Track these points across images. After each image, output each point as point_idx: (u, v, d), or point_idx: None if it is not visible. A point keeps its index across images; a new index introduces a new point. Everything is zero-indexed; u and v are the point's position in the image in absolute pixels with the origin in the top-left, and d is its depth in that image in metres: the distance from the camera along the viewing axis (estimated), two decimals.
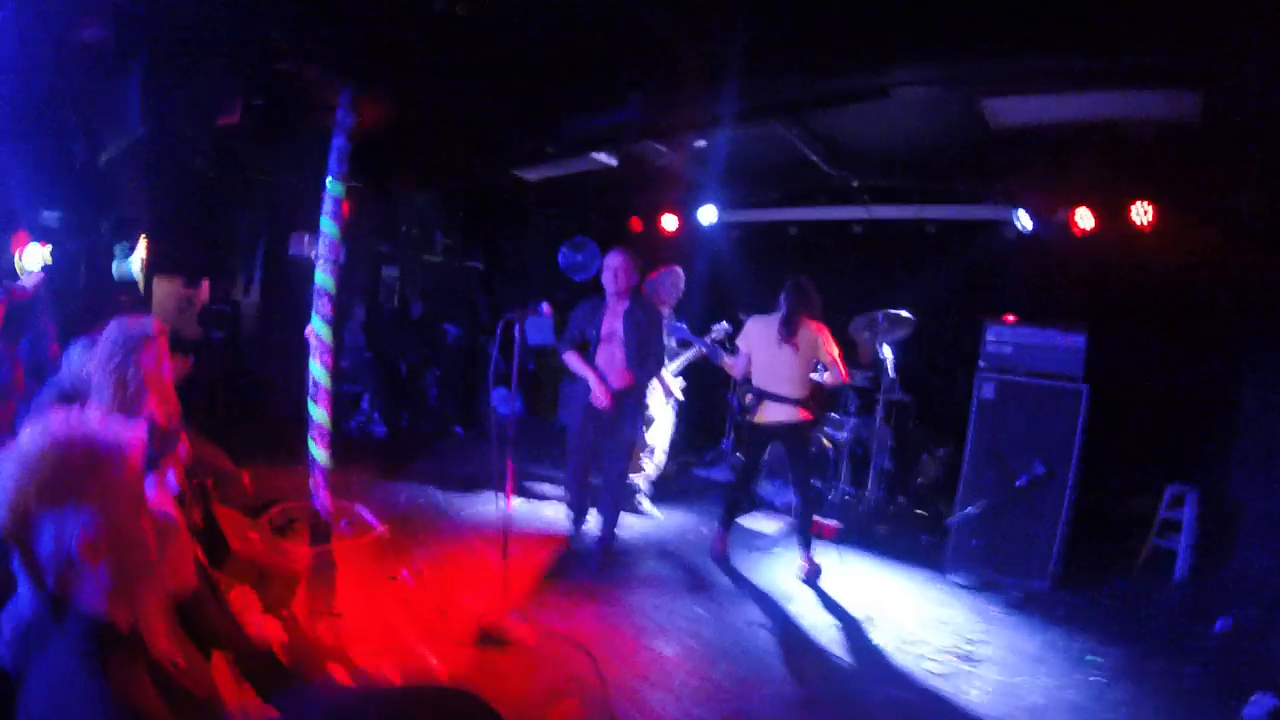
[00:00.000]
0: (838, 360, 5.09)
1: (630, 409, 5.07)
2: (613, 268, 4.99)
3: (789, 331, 5.06)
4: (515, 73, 4.94)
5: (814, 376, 5.24)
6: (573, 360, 5.08)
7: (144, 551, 1.39)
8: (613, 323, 5.05)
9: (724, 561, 5.33)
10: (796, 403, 5.08)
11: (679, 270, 6.20)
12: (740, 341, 5.33)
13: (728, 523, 5.40)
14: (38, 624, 1.27)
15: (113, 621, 1.31)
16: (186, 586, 1.47)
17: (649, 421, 6.18)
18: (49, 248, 6.82)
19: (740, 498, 5.48)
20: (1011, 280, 6.89)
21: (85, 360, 3.60)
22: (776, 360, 5.10)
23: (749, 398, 5.23)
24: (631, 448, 5.32)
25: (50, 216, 6.94)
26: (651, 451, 6.32)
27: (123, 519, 1.33)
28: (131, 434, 1.41)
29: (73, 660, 1.22)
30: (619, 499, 5.23)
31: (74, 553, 1.26)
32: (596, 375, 4.96)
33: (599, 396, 4.94)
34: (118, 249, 7.75)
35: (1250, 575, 5.23)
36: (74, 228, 7.06)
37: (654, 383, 6.01)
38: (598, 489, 5.25)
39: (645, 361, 5.03)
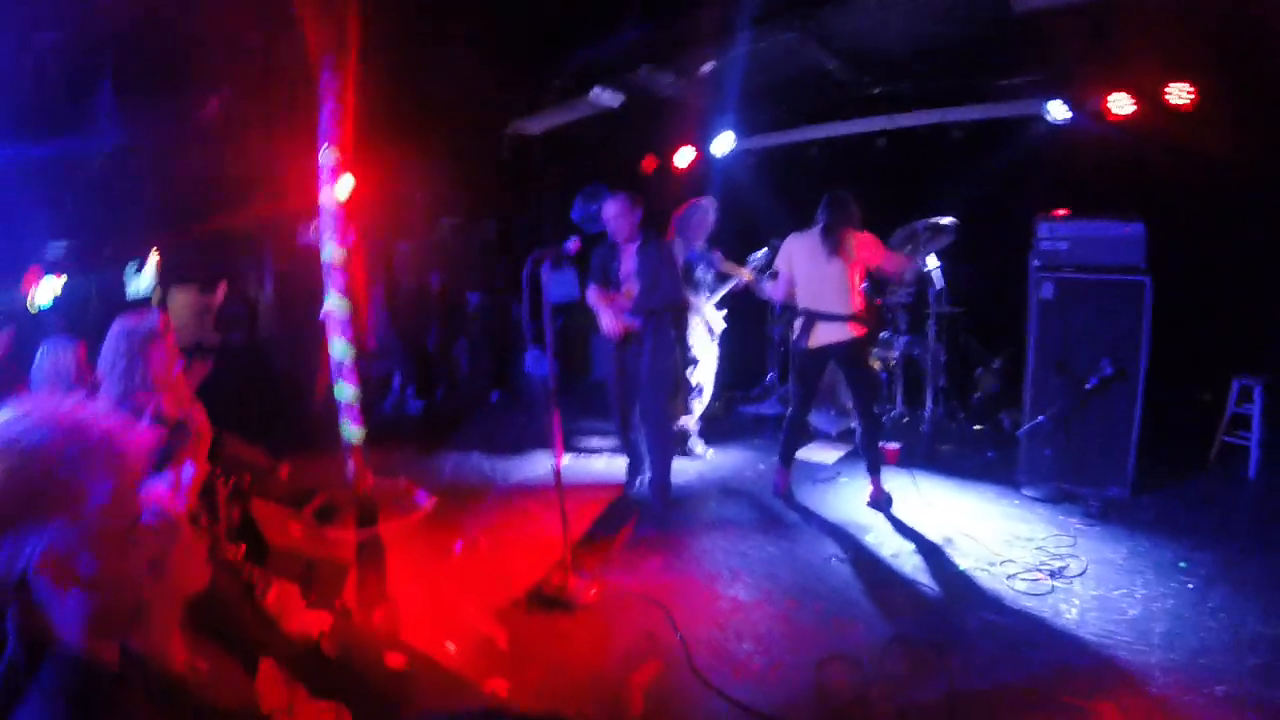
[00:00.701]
0: (891, 256, 4.92)
1: (652, 345, 4.88)
2: (610, 217, 4.91)
3: (833, 244, 4.76)
4: (508, 11, 4.63)
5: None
6: (592, 293, 5.08)
7: (131, 567, 1.14)
8: (629, 264, 4.96)
9: (789, 497, 5.11)
10: (849, 319, 4.77)
11: (707, 202, 5.91)
12: (780, 263, 5.05)
13: (788, 458, 5.16)
14: (10, 673, 1.05)
15: (94, 658, 1.08)
16: (196, 588, 1.22)
17: (693, 362, 5.98)
18: (63, 278, 6.74)
19: (798, 430, 5.17)
20: (1051, 177, 6.50)
21: (56, 361, 3.44)
22: (823, 276, 4.80)
23: (798, 322, 4.93)
24: (667, 386, 5.11)
25: (55, 248, 6.81)
26: (700, 391, 6.12)
27: (105, 533, 1.09)
28: (132, 433, 1.16)
29: (52, 710, 1.00)
30: (667, 442, 5.08)
31: (30, 574, 1.03)
32: (607, 307, 4.94)
33: (609, 325, 4.91)
34: (129, 267, 7.65)
35: None
36: (80, 255, 6.93)
37: (696, 320, 5.78)
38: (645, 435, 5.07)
39: (651, 294, 4.87)
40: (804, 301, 4.90)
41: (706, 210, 5.87)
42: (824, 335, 4.82)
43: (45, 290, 6.69)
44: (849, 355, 4.87)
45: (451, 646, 3.13)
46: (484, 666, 3.11)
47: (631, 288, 4.92)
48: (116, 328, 2.97)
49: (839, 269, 4.77)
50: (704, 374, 6.12)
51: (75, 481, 1.05)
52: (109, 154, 5.14)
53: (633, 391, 5.04)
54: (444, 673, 2.64)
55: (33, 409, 1.09)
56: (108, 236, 6.93)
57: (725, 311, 6.22)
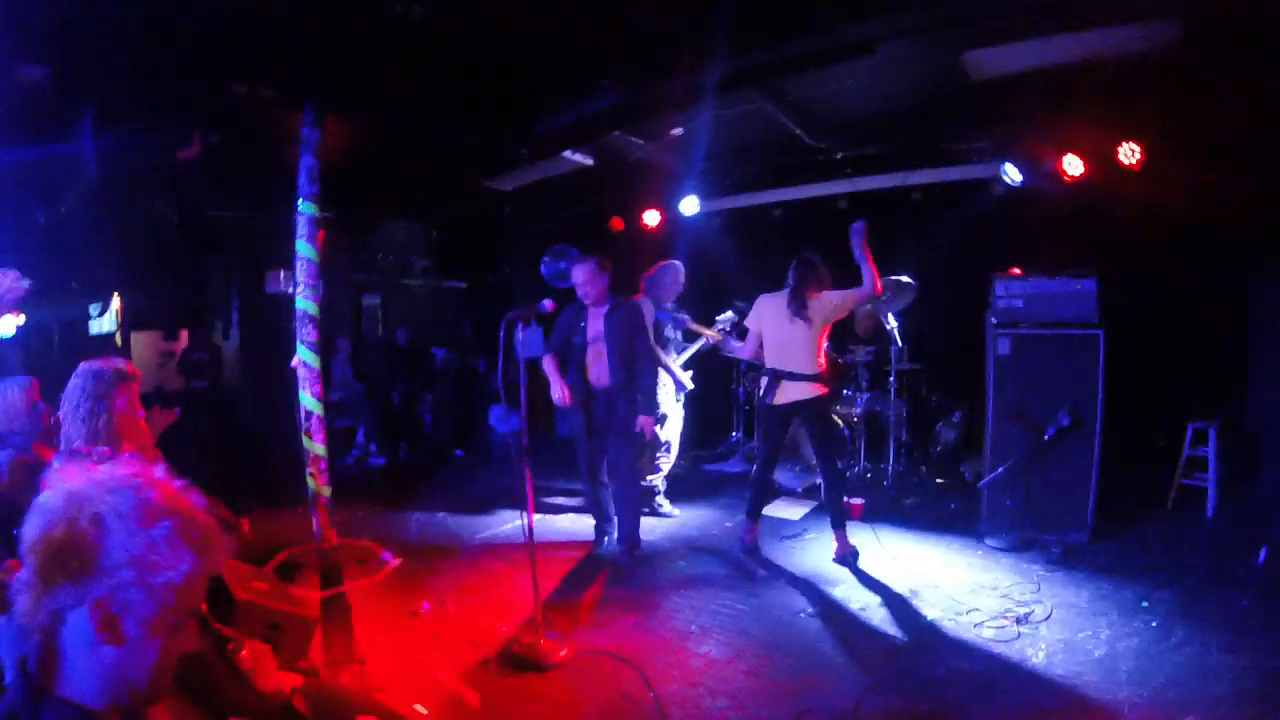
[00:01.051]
0: (856, 292, 4.86)
1: (625, 404, 4.96)
2: (579, 283, 4.96)
3: (799, 305, 4.86)
4: (481, 74, 4.74)
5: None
6: (547, 364, 5.10)
7: (173, 646, 1.15)
8: (596, 325, 5.00)
9: (756, 553, 5.11)
10: (813, 378, 4.88)
11: (678, 264, 6.02)
12: (750, 321, 5.15)
13: (755, 513, 5.18)
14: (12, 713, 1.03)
15: (102, 713, 1.07)
16: (188, 649, 1.20)
17: (662, 419, 5.99)
18: (22, 317, 6.59)
19: (765, 486, 5.24)
20: (1007, 235, 6.76)
21: (5, 399, 3.36)
22: (790, 338, 4.90)
23: (764, 380, 5.03)
24: (638, 442, 5.14)
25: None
26: (668, 448, 6.13)
27: (169, 610, 1.09)
28: (211, 518, 1.18)
29: None
30: (636, 498, 5.11)
31: (78, 613, 1.03)
32: (559, 379, 5.00)
33: (558, 396, 4.95)
34: (92, 309, 7.51)
35: (1278, 498, 5.18)
36: (44, 290, 6.80)
37: (664, 378, 5.82)
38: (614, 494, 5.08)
39: (633, 364, 4.96)
40: (771, 361, 5.00)
41: (677, 270, 5.97)
42: (789, 394, 4.91)
43: (4, 324, 6.53)
44: (813, 413, 4.97)
45: (422, 709, 3.05)
46: None
47: (601, 349, 4.95)
48: (82, 369, 2.89)
49: (805, 330, 4.86)
50: (671, 431, 6.15)
51: (163, 553, 1.06)
52: (84, 188, 5.10)
53: (601, 448, 5.07)
54: None
55: (143, 476, 1.11)
56: (72, 272, 6.80)
57: (691, 371, 6.28)
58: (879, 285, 4.87)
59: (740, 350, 5.45)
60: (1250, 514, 5.26)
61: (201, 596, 1.15)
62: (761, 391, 5.07)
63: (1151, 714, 3.07)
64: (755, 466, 5.24)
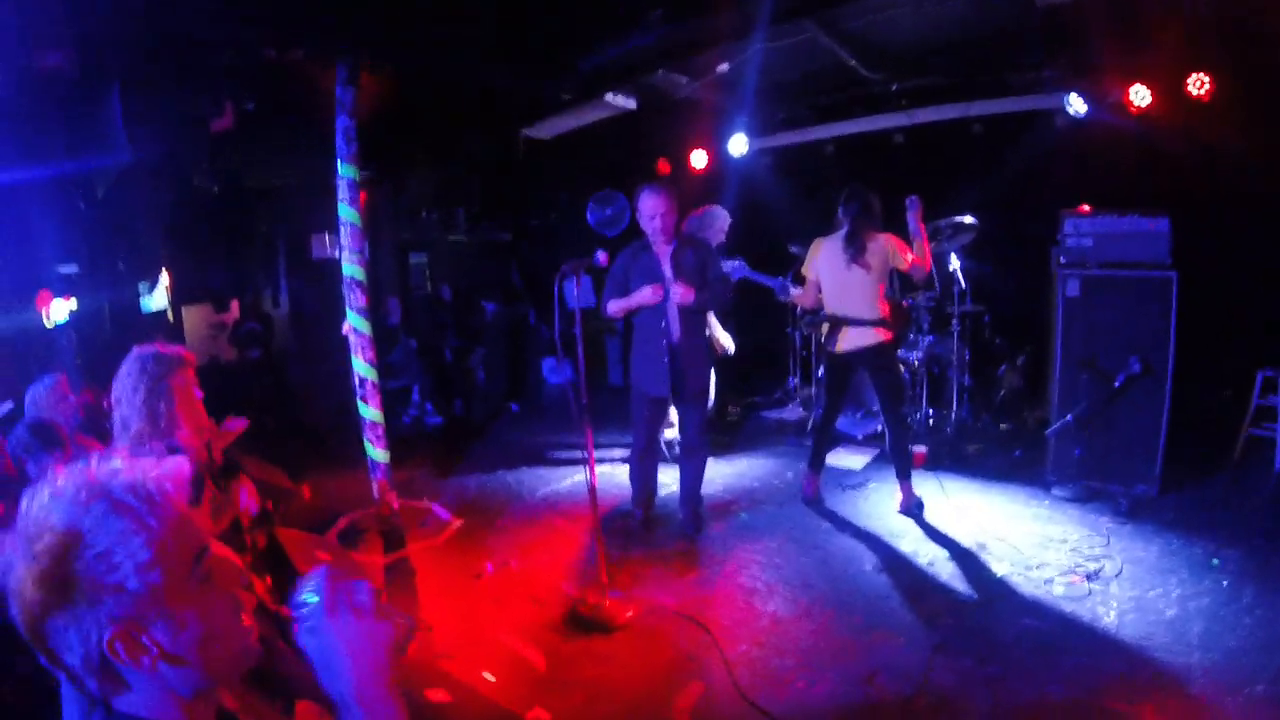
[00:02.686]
0: (919, 257, 4.69)
1: (695, 356, 4.54)
2: (654, 212, 4.33)
3: (857, 249, 4.67)
4: (520, 14, 4.57)
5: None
6: (616, 303, 4.48)
7: (218, 609, 1.05)
8: (665, 267, 4.45)
9: (819, 504, 5.07)
10: (875, 323, 4.71)
11: (721, 209, 5.77)
12: (807, 268, 4.95)
13: (817, 464, 5.11)
14: None
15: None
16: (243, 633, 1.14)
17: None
18: (73, 300, 6.73)
19: (826, 435, 5.12)
20: (1070, 171, 6.41)
21: (51, 397, 3.41)
22: (848, 282, 4.72)
23: (825, 326, 4.88)
24: (706, 410, 4.89)
25: (67, 268, 6.81)
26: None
27: (169, 589, 0.98)
28: (159, 472, 1.04)
29: None
30: (704, 466, 4.82)
31: (106, 653, 0.95)
32: (644, 290, 4.35)
33: (653, 295, 4.32)
34: (141, 288, 7.64)
35: None
36: (92, 275, 6.91)
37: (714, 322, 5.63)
38: (673, 445, 4.94)
39: (700, 296, 4.39)
40: (830, 306, 4.84)
41: (724, 216, 5.74)
42: (852, 340, 4.76)
43: (58, 310, 6.70)
44: (876, 360, 4.80)
45: (490, 676, 3.09)
46: (524, 694, 3.06)
47: (676, 291, 4.34)
48: (135, 354, 2.86)
49: (863, 275, 4.69)
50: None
51: (107, 551, 0.95)
52: (120, 170, 5.10)
53: (666, 410, 4.79)
54: (486, 704, 2.61)
55: (61, 485, 0.99)
56: (119, 253, 6.90)
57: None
58: (929, 264, 4.78)
59: (800, 297, 5.21)
60: None
61: (192, 548, 1.04)
62: (823, 338, 4.93)
63: (1222, 682, 2.97)
64: (816, 415, 5.13)
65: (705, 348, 4.71)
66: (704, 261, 4.49)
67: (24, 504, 0.99)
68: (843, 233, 4.74)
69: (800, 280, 5.12)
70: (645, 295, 4.32)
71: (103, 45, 4.14)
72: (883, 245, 4.68)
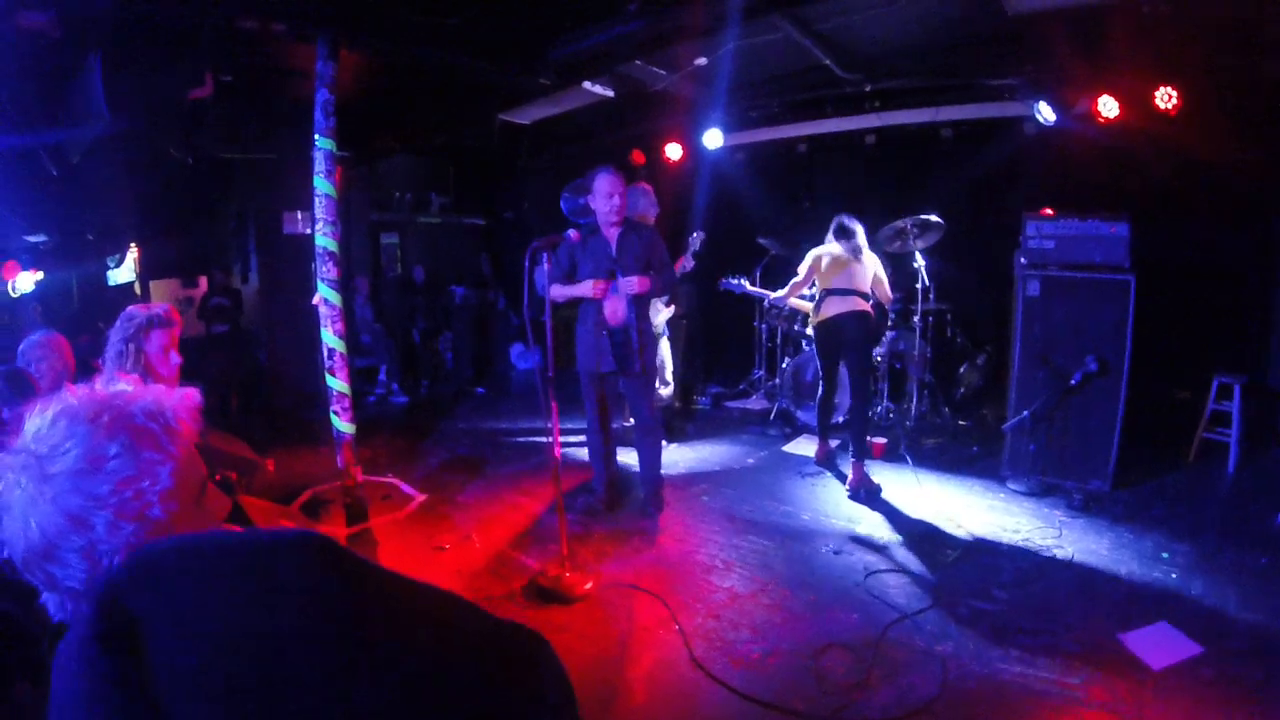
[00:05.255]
0: (885, 283, 5.45)
1: (639, 339, 4.54)
2: (614, 190, 4.37)
3: (857, 252, 5.30)
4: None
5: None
6: (559, 289, 4.45)
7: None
8: (612, 250, 4.50)
9: (830, 466, 5.59)
10: (859, 295, 5.23)
11: (648, 186, 5.64)
12: (804, 267, 5.42)
13: (824, 431, 5.69)
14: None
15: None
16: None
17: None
18: (39, 274, 6.61)
19: (829, 406, 5.63)
20: (1037, 177, 6.62)
21: (38, 350, 3.41)
22: (848, 272, 5.28)
23: (816, 302, 5.37)
24: (654, 389, 4.99)
25: (36, 239, 6.68)
26: (663, 379, 6.16)
27: (178, 518, 0.98)
28: (173, 398, 1.04)
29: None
30: (658, 436, 4.85)
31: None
32: (586, 283, 4.42)
33: (592, 289, 4.38)
34: (109, 260, 7.53)
35: None
36: (61, 246, 6.79)
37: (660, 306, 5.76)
38: (629, 429, 4.98)
39: (645, 279, 4.45)
40: (824, 284, 5.30)
41: (643, 194, 5.52)
42: (836, 307, 5.24)
43: (24, 282, 6.58)
44: (857, 326, 5.19)
45: None
46: None
47: (631, 282, 4.39)
48: (122, 314, 2.96)
49: (860, 268, 5.28)
50: (664, 359, 6.16)
51: (134, 476, 0.94)
52: (95, 139, 5.02)
53: (615, 391, 4.81)
54: None
55: (76, 405, 0.97)
56: (89, 224, 6.79)
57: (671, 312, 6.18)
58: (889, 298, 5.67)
59: (782, 296, 5.77)
60: (1271, 472, 5.22)
61: (199, 476, 1.04)
62: (812, 317, 5.46)
63: (1170, 666, 3.08)
64: (820, 393, 5.62)
65: (650, 329, 4.76)
66: (650, 245, 4.55)
67: (30, 422, 0.96)
68: (850, 244, 5.31)
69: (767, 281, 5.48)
70: (586, 289, 4.40)
71: (86, 11, 4.08)
72: (877, 261, 5.42)
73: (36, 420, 0.96)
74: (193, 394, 1.08)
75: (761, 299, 6.16)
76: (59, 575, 0.92)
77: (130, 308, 2.95)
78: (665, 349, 6.18)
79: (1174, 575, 3.87)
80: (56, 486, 0.91)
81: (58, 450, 0.92)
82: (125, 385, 1.04)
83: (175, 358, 2.96)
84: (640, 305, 4.54)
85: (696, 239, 5.83)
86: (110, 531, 0.91)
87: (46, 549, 0.91)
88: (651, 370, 4.75)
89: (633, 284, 4.36)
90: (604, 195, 4.40)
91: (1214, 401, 5.51)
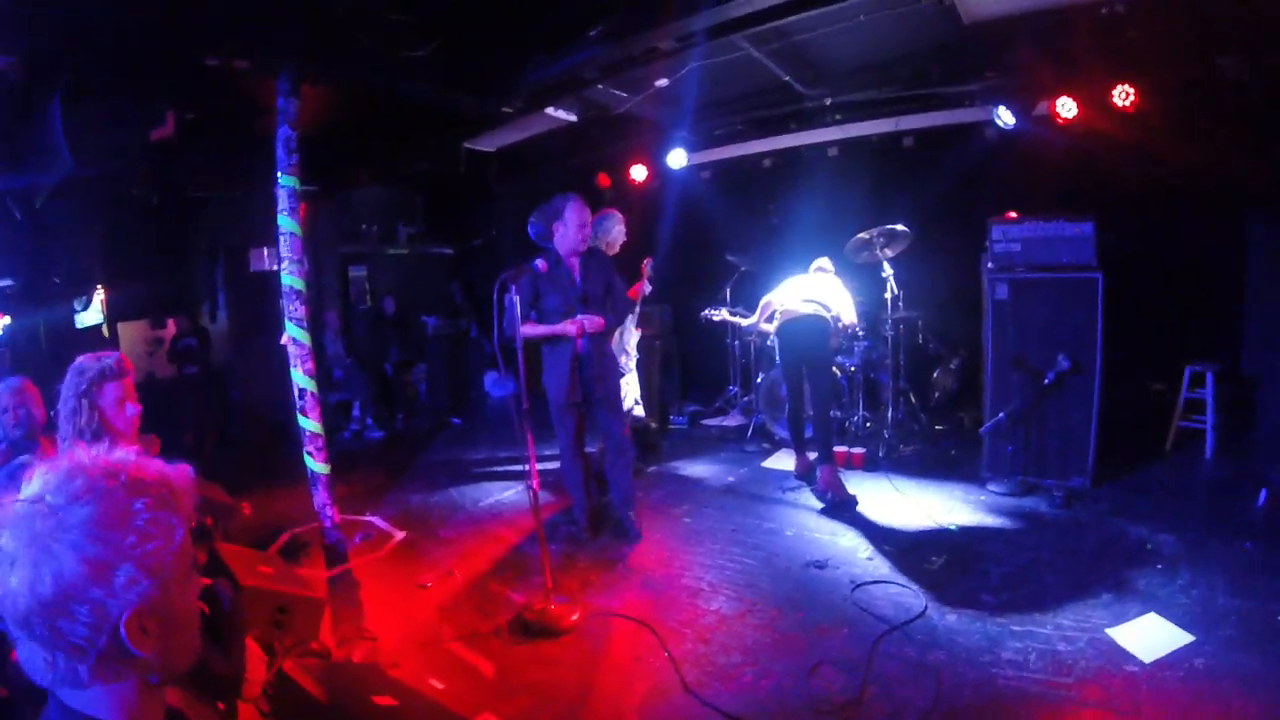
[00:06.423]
0: (850, 308, 5.68)
1: (604, 365, 4.63)
2: (584, 220, 4.44)
3: (822, 273, 5.77)
4: (459, 24, 4.58)
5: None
6: (530, 328, 4.40)
7: (193, 630, 1.08)
8: (577, 278, 4.54)
9: (810, 479, 5.50)
10: (819, 304, 5.49)
11: (617, 214, 5.60)
12: (775, 294, 5.70)
13: (799, 445, 5.70)
14: None
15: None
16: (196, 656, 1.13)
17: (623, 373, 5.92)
18: (6, 318, 6.48)
19: (799, 421, 5.66)
20: (1001, 180, 6.67)
21: (8, 400, 3.33)
22: (807, 284, 5.62)
23: (777, 321, 5.63)
24: (624, 414, 4.99)
25: (3, 283, 6.55)
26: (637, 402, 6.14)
27: (176, 586, 1.01)
28: (178, 473, 1.07)
29: None
30: (630, 460, 4.86)
31: (122, 631, 0.94)
32: (565, 324, 4.44)
33: (574, 330, 4.41)
34: (76, 304, 7.39)
35: (1276, 441, 5.22)
36: (26, 290, 6.66)
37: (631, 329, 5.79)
38: (600, 454, 4.94)
39: (614, 308, 4.64)
40: (786, 299, 5.60)
41: (618, 221, 5.54)
42: (796, 309, 5.50)
43: None
44: (813, 329, 5.43)
45: (437, 684, 3.05)
46: (472, 700, 3.04)
47: (587, 322, 4.44)
48: (72, 367, 2.81)
49: (824, 288, 5.62)
50: (633, 384, 6.13)
51: (151, 534, 0.97)
52: (59, 181, 4.95)
53: (588, 418, 4.77)
54: (434, 709, 2.58)
55: (80, 464, 0.99)
56: (55, 267, 6.67)
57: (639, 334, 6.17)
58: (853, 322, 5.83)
59: (753, 326, 6.04)
60: (1248, 456, 5.30)
61: (193, 553, 1.07)
62: (774, 329, 5.71)
63: (1161, 658, 3.09)
64: (787, 407, 5.74)
65: (611, 355, 4.85)
66: (609, 276, 4.66)
67: (40, 477, 0.98)
68: (817, 274, 5.79)
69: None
70: (565, 329, 4.43)
71: (46, 53, 4.02)
72: (843, 288, 5.73)
73: (48, 475, 0.98)
74: (187, 470, 1.10)
75: (745, 329, 6.34)
76: (65, 629, 0.92)
77: (80, 359, 2.79)
78: (632, 371, 6.18)
79: (1159, 566, 3.89)
80: (77, 536, 0.92)
81: (78, 502, 0.94)
82: (126, 454, 1.05)
83: (132, 408, 2.81)
84: (599, 334, 4.60)
85: (649, 265, 5.90)
86: (128, 586, 0.94)
87: (60, 600, 0.91)
88: (617, 394, 4.82)
89: (598, 323, 4.48)
90: (576, 225, 4.45)
91: (1188, 390, 5.61)
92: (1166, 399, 5.86)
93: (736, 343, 7.53)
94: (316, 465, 4.34)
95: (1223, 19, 4.86)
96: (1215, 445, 5.46)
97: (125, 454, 1.04)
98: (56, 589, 0.91)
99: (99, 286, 7.33)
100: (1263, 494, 4.53)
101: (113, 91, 4.40)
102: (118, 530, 0.95)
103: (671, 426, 7.56)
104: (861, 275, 6.41)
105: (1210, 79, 5.29)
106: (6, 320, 6.44)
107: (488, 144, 7.29)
